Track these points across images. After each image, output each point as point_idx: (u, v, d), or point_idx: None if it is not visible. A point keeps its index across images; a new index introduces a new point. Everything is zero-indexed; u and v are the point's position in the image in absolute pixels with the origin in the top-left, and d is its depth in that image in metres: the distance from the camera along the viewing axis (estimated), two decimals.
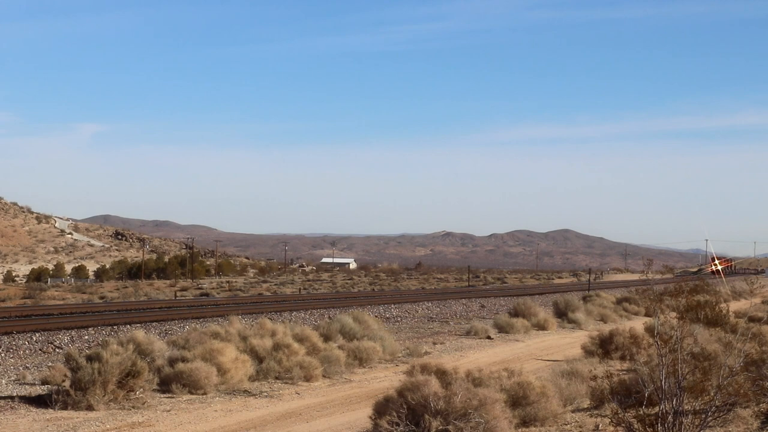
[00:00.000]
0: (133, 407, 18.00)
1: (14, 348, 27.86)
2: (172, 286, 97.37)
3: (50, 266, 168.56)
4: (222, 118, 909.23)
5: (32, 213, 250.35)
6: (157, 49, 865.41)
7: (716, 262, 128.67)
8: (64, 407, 17.64)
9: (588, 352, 26.32)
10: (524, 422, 15.32)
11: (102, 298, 77.97)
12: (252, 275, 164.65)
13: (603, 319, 46.53)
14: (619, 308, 52.67)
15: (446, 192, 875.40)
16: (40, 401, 18.24)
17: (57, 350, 27.99)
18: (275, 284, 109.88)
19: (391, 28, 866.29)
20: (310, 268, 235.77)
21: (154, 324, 36.13)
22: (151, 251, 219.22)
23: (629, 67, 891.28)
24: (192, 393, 19.75)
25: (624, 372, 19.07)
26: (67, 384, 18.36)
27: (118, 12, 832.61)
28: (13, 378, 21.97)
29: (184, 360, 20.55)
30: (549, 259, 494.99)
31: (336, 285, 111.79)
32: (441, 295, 70.79)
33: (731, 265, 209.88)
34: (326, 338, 26.60)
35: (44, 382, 20.38)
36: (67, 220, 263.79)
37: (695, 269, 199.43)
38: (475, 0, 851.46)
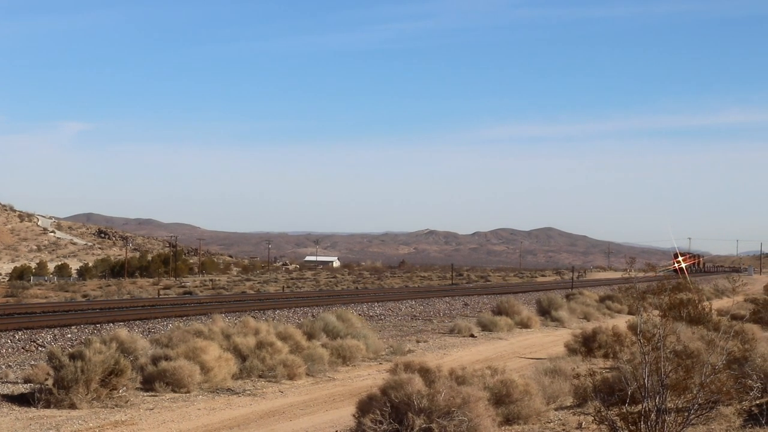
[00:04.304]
0: (116, 406, 17.95)
1: None
2: (156, 285, 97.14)
3: (33, 264, 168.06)
4: (206, 116, 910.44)
5: (15, 211, 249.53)
6: (142, 48, 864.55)
7: (679, 259, 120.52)
8: (47, 406, 17.58)
9: (571, 350, 26.35)
10: (507, 420, 15.33)
11: (85, 296, 77.76)
12: (235, 273, 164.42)
13: (586, 317, 46.62)
14: (602, 306, 52.77)
15: (429, 190, 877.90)
16: (22, 400, 18.17)
17: (40, 349, 27.88)
18: (258, 282, 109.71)
19: (374, 26, 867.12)
20: (293, 266, 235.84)
21: (137, 322, 36.04)
22: (134, 249, 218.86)
23: (612, 66, 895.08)
24: (175, 391, 19.71)
25: (607, 370, 19.10)
26: (49, 382, 18.29)
27: (102, 10, 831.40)
28: None
29: (167, 358, 20.51)
30: (532, 258, 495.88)
31: (319, 283, 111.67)
32: (424, 293, 70.78)
33: (698, 262, 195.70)
34: (310, 336, 26.56)
35: (27, 381, 20.30)
36: (50, 218, 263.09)
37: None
38: None
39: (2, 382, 20.77)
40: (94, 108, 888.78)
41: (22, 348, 28.07)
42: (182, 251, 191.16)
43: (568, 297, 55.03)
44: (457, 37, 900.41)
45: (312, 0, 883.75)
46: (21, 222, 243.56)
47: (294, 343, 24.38)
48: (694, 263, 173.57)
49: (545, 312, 44.92)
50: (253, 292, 79.32)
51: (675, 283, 52.40)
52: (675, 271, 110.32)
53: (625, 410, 12.35)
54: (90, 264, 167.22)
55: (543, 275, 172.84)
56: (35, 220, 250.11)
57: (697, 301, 31.66)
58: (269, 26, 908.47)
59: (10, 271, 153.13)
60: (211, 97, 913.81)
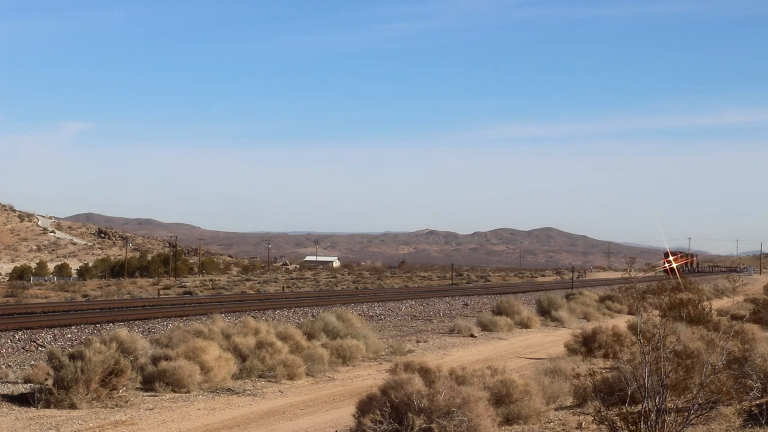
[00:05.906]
0: (116, 406, 17.95)
1: None
2: (156, 285, 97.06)
3: (33, 264, 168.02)
4: (206, 116, 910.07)
5: (15, 211, 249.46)
6: (142, 48, 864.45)
7: (670, 258, 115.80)
8: (47, 406, 17.58)
9: (571, 350, 26.36)
10: (507, 420, 15.33)
11: (85, 296, 77.71)
12: (235, 273, 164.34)
13: (586, 317, 46.61)
14: (602, 306, 52.75)
15: (430, 190, 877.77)
16: (22, 400, 18.17)
17: (39, 348, 27.86)
18: (258, 282, 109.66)
19: (375, 26, 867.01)
20: (293, 266, 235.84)
21: (137, 322, 36.02)
22: (134, 249, 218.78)
23: (612, 66, 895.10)
24: (175, 391, 19.71)
25: (607, 370, 19.10)
26: (49, 382, 18.30)
27: (102, 10, 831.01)
28: None
29: (167, 358, 20.50)
30: (532, 258, 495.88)
31: (319, 283, 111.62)
32: (424, 293, 70.75)
33: (692, 261, 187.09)
34: (309, 336, 26.55)
35: (27, 381, 20.29)
36: (50, 218, 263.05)
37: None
38: None
39: (2, 382, 20.76)
40: (94, 108, 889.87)
41: (22, 348, 28.06)
42: (182, 251, 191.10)
43: (568, 297, 54.99)
44: (457, 37, 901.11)
45: (313, 0, 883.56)
46: (21, 222, 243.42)
47: (294, 343, 24.38)
48: (687, 263, 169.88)
49: (545, 312, 44.91)
50: (253, 292, 79.26)
51: (675, 284, 52.26)
52: (666, 271, 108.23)
53: (625, 410, 12.35)
54: (90, 264, 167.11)
55: (543, 275, 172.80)
56: (35, 220, 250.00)
57: (697, 301, 31.68)
58: (269, 26, 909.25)
59: (10, 271, 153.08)
60: (211, 97, 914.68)
